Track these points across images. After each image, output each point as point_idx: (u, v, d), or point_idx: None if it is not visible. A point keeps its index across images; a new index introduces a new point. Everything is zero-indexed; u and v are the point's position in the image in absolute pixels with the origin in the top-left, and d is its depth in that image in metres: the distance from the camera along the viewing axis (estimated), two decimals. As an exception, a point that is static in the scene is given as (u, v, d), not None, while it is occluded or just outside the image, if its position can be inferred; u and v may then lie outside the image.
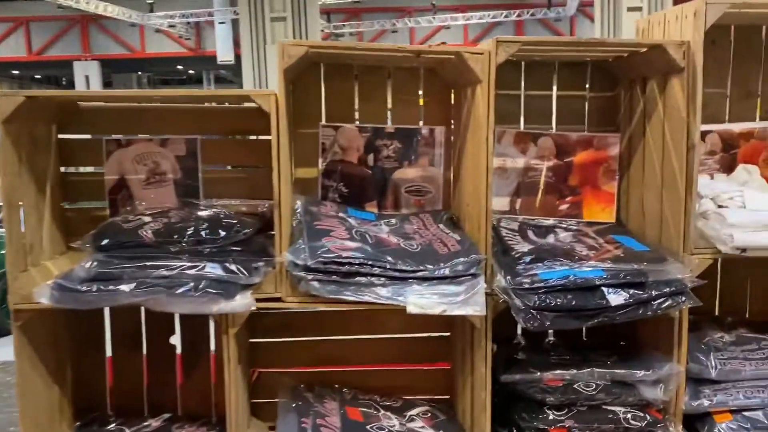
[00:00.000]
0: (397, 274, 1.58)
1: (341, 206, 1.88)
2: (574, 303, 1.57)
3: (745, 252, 1.65)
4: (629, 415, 1.69)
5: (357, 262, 1.55)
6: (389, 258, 1.58)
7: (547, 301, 1.56)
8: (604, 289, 1.59)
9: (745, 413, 1.70)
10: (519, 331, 2.04)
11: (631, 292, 1.59)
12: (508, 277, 1.61)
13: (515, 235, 1.83)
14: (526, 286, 1.58)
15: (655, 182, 1.80)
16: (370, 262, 1.56)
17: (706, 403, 1.71)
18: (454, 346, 1.99)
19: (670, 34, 1.77)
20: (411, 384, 2.05)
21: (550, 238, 1.86)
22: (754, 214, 1.66)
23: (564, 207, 2.02)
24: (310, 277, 1.56)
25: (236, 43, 13.10)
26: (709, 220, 1.71)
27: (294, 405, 1.82)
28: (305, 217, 1.72)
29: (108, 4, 14.26)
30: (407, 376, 2.06)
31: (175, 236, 1.58)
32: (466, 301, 1.58)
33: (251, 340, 1.99)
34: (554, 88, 2.04)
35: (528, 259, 1.65)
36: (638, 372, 1.71)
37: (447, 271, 1.59)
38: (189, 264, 1.55)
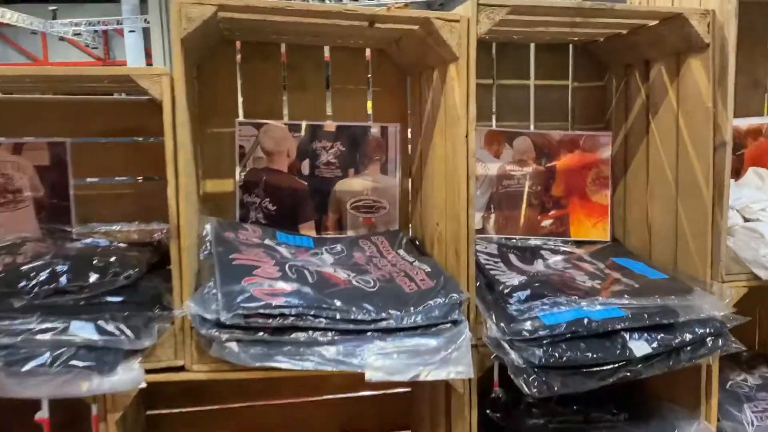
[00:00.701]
0: (350, 326, 1.12)
1: (268, 230, 1.41)
2: (589, 356, 1.16)
3: (790, 278, 1.30)
4: (650, 492, 1.31)
5: (293, 312, 1.09)
6: (338, 303, 1.13)
7: (556, 355, 1.15)
8: (626, 334, 1.20)
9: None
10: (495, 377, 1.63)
11: (659, 338, 1.20)
12: (501, 324, 1.18)
13: (497, 262, 1.42)
14: (527, 335, 1.16)
15: (666, 191, 1.43)
16: (312, 312, 1.10)
17: (744, 470, 1.35)
18: (417, 408, 1.56)
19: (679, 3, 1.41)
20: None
21: (539, 265, 1.46)
22: (798, 229, 1.32)
23: (547, 223, 1.63)
24: (225, 337, 1.08)
25: (148, 54, 12.29)
26: (738, 237, 1.36)
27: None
28: (218, 248, 1.24)
29: (6, 10, 13.07)
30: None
31: (22, 284, 1.07)
32: (447, 360, 1.15)
33: (149, 413, 1.48)
34: (531, 75, 1.65)
35: (522, 295, 1.23)
36: (659, 436, 1.34)
37: (419, 318, 1.15)
38: (42, 326, 1.04)
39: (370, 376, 1.12)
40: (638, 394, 1.49)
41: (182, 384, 1.40)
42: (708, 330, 1.22)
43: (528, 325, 1.18)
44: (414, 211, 1.55)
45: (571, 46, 1.65)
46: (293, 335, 1.10)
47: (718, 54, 1.29)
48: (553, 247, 1.58)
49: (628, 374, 1.19)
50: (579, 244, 1.61)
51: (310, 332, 1.11)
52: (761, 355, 1.64)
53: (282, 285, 1.13)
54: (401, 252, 1.43)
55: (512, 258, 1.47)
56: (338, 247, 1.43)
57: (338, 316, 1.12)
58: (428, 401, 1.45)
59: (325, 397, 1.56)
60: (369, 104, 1.55)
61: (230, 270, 1.16)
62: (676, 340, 1.21)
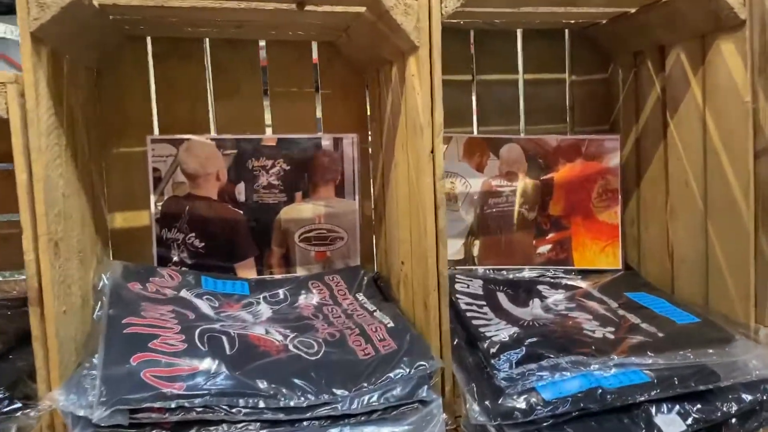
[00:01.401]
0: (280, 416, 0.83)
1: (190, 276, 1.12)
2: (604, 441, 0.87)
3: None
4: None
5: (197, 403, 0.79)
6: (263, 385, 0.83)
7: (560, 443, 0.85)
8: (651, 408, 0.90)
9: None
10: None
11: (695, 409, 0.91)
12: (486, 402, 0.89)
13: (481, 307, 1.12)
14: (519, 416, 0.87)
15: (692, 208, 1.14)
16: (224, 402, 0.80)
17: None
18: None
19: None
20: None
21: (536, 306, 1.16)
22: None
23: (545, 249, 1.34)
24: (105, 440, 0.79)
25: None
26: (787, 266, 1.07)
27: None
28: (111, 309, 0.94)
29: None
30: None
31: None
32: (412, 455, 0.85)
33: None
34: (520, 69, 1.36)
35: (514, 356, 0.93)
36: None
37: (375, 400, 0.86)
38: None
39: (310, 483, 0.82)
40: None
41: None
42: (760, 396, 0.93)
43: (522, 402, 0.88)
44: (379, 242, 1.26)
45: (566, 31, 1.36)
46: (202, 432, 0.81)
47: (757, 33, 1.00)
48: (552, 280, 1.28)
49: (656, 462, 0.89)
50: (584, 274, 1.32)
51: (225, 427, 0.81)
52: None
53: (185, 362, 0.83)
54: (360, 297, 1.13)
55: (501, 298, 1.18)
56: (281, 293, 1.13)
57: (262, 404, 0.82)
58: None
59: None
60: (318, 111, 1.25)
61: (118, 342, 0.86)
62: (718, 413, 0.91)
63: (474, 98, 1.33)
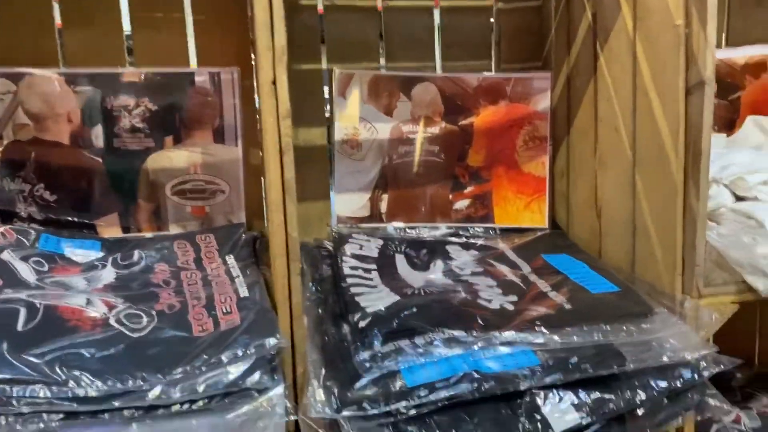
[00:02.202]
0: (68, 406, 0.67)
1: (29, 234, 0.95)
2: (475, 437, 0.71)
3: (804, 291, 0.84)
4: None
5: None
6: (55, 369, 0.68)
7: (419, 441, 0.70)
8: (539, 397, 0.75)
9: None
10: None
11: (590, 401, 0.75)
12: (335, 389, 0.73)
13: (368, 272, 0.96)
14: (370, 408, 0.71)
15: (621, 157, 0.97)
16: (-8, 390, 0.65)
17: None
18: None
19: None
20: None
21: (437, 271, 1.00)
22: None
23: (462, 205, 1.17)
24: None
25: None
26: (726, 225, 0.90)
27: None
28: None
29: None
30: None
31: None
32: (240, 452, 0.70)
33: None
34: (434, -6, 1.16)
35: (383, 332, 0.78)
36: None
37: (200, 387, 0.70)
38: None
39: (108, 486, 0.68)
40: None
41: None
42: (674, 382, 0.77)
43: (377, 389, 0.73)
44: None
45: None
46: (-28, 425, 0.66)
47: (693, -61, 0.80)
48: (466, 240, 1.12)
49: (541, 459, 0.75)
50: (506, 233, 1.15)
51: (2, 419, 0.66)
52: (762, 377, 1.19)
53: (-44, 340, 0.68)
54: (230, 260, 0.97)
55: (399, 261, 1.02)
56: (136, 255, 0.97)
57: (46, 393, 0.67)
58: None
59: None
60: (191, 40, 1.07)
61: None
62: (621, 403, 0.75)
63: (381, 28, 1.14)
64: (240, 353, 0.73)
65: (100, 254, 0.97)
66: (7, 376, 0.66)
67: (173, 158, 1.06)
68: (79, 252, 0.96)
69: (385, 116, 1.14)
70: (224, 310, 0.81)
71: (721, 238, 0.86)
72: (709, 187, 0.86)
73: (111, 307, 0.81)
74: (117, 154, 1.04)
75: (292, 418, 0.73)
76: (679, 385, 0.77)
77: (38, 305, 0.77)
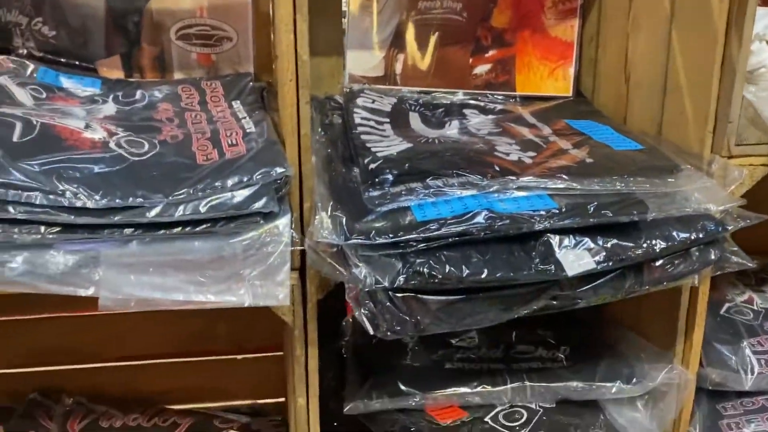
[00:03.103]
0: (71, 217, 0.65)
1: (26, 68, 0.91)
2: (485, 274, 0.69)
3: (843, 152, 0.79)
4: (588, 464, 0.88)
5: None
6: (53, 179, 0.65)
7: (426, 271, 0.67)
8: (553, 239, 0.72)
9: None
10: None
11: (608, 246, 0.72)
12: (343, 220, 0.70)
13: (381, 123, 0.92)
14: (379, 239, 0.68)
15: (658, 14, 0.90)
16: (-17, 192, 0.62)
17: (732, 437, 0.91)
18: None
19: None
20: (212, 384, 1.19)
21: (452, 128, 0.96)
22: None
23: (483, 69, 1.11)
24: None
25: None
26: (763, 85, 0.84)
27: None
28: None
29: None
30: (203, 371, 1.18)
31: None
32: (245, 276, 0.68)
33: None
34: None
35: (391, 174, 0.74)
36: (610, 385, 0.89)
37: (202, 207, 0.68)
38: None
39: (107, 302, 0.66)
40: (591, 318, 1.03)
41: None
42: (696, 234, 0.74)
43: (387, 222, 0.70)
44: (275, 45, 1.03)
45: None
46: (-34, 231, 0.64)
47: None
48: (484, 104, 1.06)
49: (555, 302, 0.73)
50: (528, 100, 1.09)
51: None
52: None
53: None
54: (236, 104, 0.92)
55: (413, 118, 0.97)
56: (139, 94, 0.93)
57: (42, 201, 0.64)
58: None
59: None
60: None
61: None
62: (639, 251, 0.72)
63: None
64: (245, 179, 0.69)
65: (100, 91, 0.93)
66: (3, 180, 0.63)
67: (180, 0, 1.00)
68: (78, 87, 0.92)
69: (409, -33, 1.07)
70: (230, 143, 0.77)
71: (759, 96, 0.81)
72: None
73: (111, 133, 0.78)
74: (120, -9, 0.98)
75: (299, 248, 0.71)
76: (701, 236, 0.73)
77: (35, 122, 0.74)
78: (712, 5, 0.79)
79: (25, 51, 0.97)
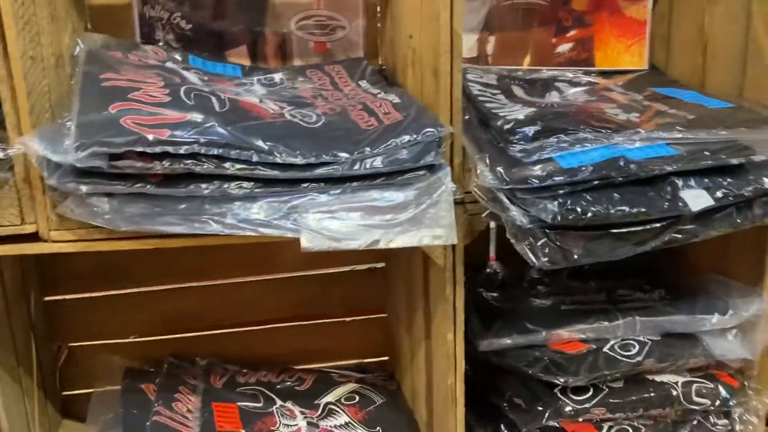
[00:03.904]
0: (277, 173, 0.76)
1: (177, 53, 1.02)
2: (625, 210, 0.80)
3: None
4: (693, 389, 1.00)
5: (185, 151, 0.72)
6: (258, 142, 0.76)
7: (578, 209, 0.79)
8: (678, 180, 0.83)
9: None
10: (492, 248, 1.30)
11: (725, 184, 0.84)
12: (499, 169, 0.82)
13: (495, 94, 1.03)
14: (535, 182, 0.80)
15: (735, -12, 1.02)
16: (215, 150, 0.73)
17: (816, 360, 1.03)
18: (392, 287, 1.23)
19: None
20: (327, 345, 1.30)
21: (553, 97, 1.08)
22: None
23: (566, 48, 1.22)
24: (85, 189, 0.72)
25: None
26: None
27: (123, 406, 1.04)
28: (87, 66, 0.85)
29: None
30: (317, 334, 1.29)
31: None
32: (419, 221, 0.79)
33: (48, 298, 1.17)
34: None
35: (530, 131, 0.86)
36: (710, 317, 1.00)
37: (378, 163, 0.79)
38: None
39: (308, 243, 0.77)
40: (680, 266, 1.15)
41: (89, 259, 1.09)
42: (796, 173, 0.86)
43: (538, 169, 0.81)
44: (384, 33, 1.15)
45: None
46: (191, 186, 0.74)
47: None
48: (572, 79, 1.18)
49: (679, 236, 0.84)
50: (607, 75, 1.21)
51: (215, 182, 0.75)
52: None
53: (170, 113, 0.76)
54: (363, 83, 1.04)
55: (516, 90, 1.08)
56: (277, 77, 1.04)
57: (256, 158, 0.75)
58: (404, 278, 1.12)
59: (274, 276, 1.23)
60: None
61: (96, 95, 0.78)
62: (749, 188, 0.84)
63: None
64: (414, 137, 0.80)
65: (242, 75, 1.04)
66: (228, 141, 0.73)
67: (300, -6, 1.11)
68: (223, 72, 1.03)
69: (494, -42, 1.18)
70: (383, 111, 0.88)
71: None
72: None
73: (280, 107, 0.89)
74: (248, -14, 1.09)
75: (458, 196, 0.82)
76: (803, 173, 0.85)
77: (223, 97, 0.85)
78: (794, -23, 0.91)
79: (164, 43, 1.08)
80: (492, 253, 1.12)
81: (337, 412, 1.11)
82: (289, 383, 1.17)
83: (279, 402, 1.11)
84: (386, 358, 1.32)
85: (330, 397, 1.15)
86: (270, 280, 1.24)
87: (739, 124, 0.89)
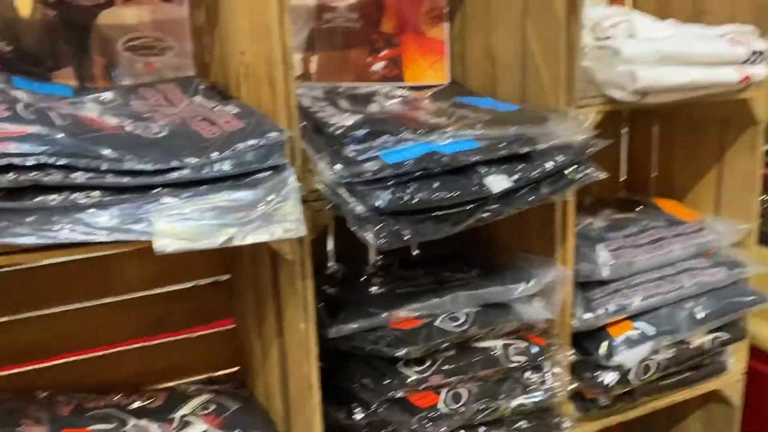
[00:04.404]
0: (127, 179, 0.79)
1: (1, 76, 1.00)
2: (444, 195, 0.95)
3: (645, 97, 1.18)
4: (510, 350, 1.17)
5: (31, 163, 0.73)
6: (107, 150, 0.78)
7: (406, 197, 0.92)
8: (482, 168, 1.00)
9: (647, 316, 1.29)
10: (329, 250, 1.40)
11: (518, 169, 1.02)
12: (337, 166, 0.92)
13: (324, 106, 1.14)
14: (369, 176, 0.91)
15: (512, 12, 1.23)
16: (62, 161, 0.75)
17: (601, 312, 1.25)
18: (240, 296, 1.28)
19: None
20: (175, 362, 1.30)
21: (375, 108, 1.21)
22: (651, 43, 1.18)
23: (379, 66, 1.37)
24: None
25: None
26: (593, 59, 1.20)
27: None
28: None
29: None
30: (167, 351, 1.29)
31: None
32: (269, 217, 0.87)
33: None
34: None
35: (359, 134, 0.98)
36: (518, 286, 1.19)
37: (226, 166, 0.85)
38: None
39: (162, 245, 0.80)
40: (490, 248, 1.34)
41: None
42: (569, 157, 1.06)
43: (369, 165, 0.93)
44: (214, 51, 1.21)
45: None
46: (38, 198, 0.75)
47: None
48: (387, 93, 1.33)
49: (487, 214, 1.00)
50: (416, 89, 1.38)
51: (65, 192, 0.76)
52: (601, 201, 1.56)
53: (12, 127, 0.76)
54: (198, 99, 1.09)
55: (342, 103, 1.20)
56: (108, 95, 1.06)
57: (107, 167, 0.78)
58: (252, 284, 1.18)
59: (116, 298, 1.22)
60: None
61: (-77, 111, 0.76)
62: (536, 171, 1.03)
63: None
64: (257, 142, 0.88)
65: (73, 95, 1.04)
66: (75, 151, 0.75)
67: (123, 16, 1.14)
68: (53, 92, 1.02)
69: (310, -14, 1.30)
70: (225, 120, 0.95)
71: (589, 65, 1.17)
72: (578, 29, 1.15)
73: (120, 120, 0.91)
74: (69, 9, 1.10)
75: (302, 192, 0.91)
76: (573, 158, 1.06)
77: (61, 111, 0.86)
78: (556, 2, 1.13)
79: (-20, 67, 1.04)
80: (330, 247, 1.23)
81: (195, 422, 1.13)
82: (140, 403, 1.16)
83: (133, 421, 1.10)
84: (237, 368, 1.35)
85: (185, 410, 1.16)
86: (112, 303, 1.22)
87: (524, 121, 1.09)
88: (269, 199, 0.87)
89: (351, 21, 1.34)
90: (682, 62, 1.17)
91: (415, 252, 1.05)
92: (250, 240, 0.85)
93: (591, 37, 1.22)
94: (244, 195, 0.86)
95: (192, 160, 0.83)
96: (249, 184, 0.87)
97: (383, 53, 1.37)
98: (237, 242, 0.84)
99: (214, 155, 0.85)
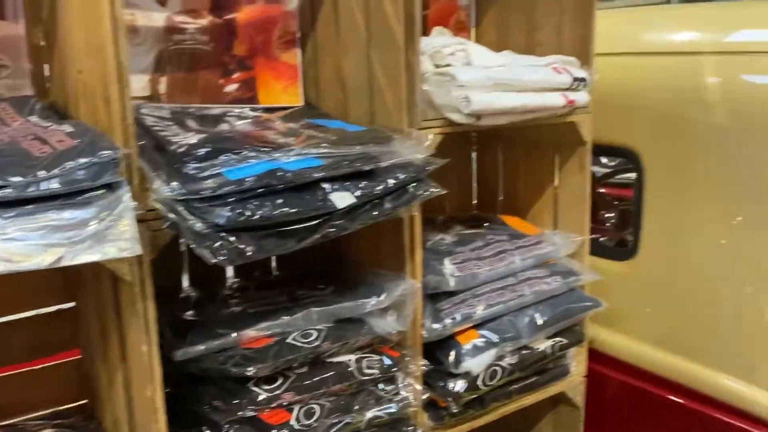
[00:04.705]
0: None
1: None
2: (286, 211, 0.97)
3: (479, 120, 1.27)
4: (363, 363, 1.20)
5: None
6: None
7: (247, 213, 0.93)
8: (326, 185, 1.03)
9: (491, 324, 1.37)
10: (185, 278, 1.38)
11: (361, 185, 1.06)
12: (174, 183, 0.92)
13: (170, 125, 1.13)
14: (208, 193, 0.92)
15: (358, 40, 1.29)
16: None
17: (448, 322, 1.31)
18: (84, 321, 1.22)
19: None
20: (18, 398, 1.22)
21: (224, 128, 1.22)
22: (485, 71, 1.28)
23: (232, 88, 1.38)
24: None
25: None
26: (431, 82, 1.28)
27: None
28: None
29: None
30: (7, 386, 1.21)
31: None
32: (101, 236, 0.85)
33: None
34: None
35: (202, 151, 0.98)
36: (369, 300, 1.22)
37: (54, 184, 0.83)
38: None
39: (-12, 267, 0.77)
40: (346, 266, 1.37)
41: None
42: (410, 174, 1.12)
43: (209, 182, 0.93)
44: (53, 70, 1.17)
45: None
46: None
47: None
48: (240, 113, 1.34)
49: (333, 230, 1.03)
50: (270, 110, 1.40)
51: None
52: (453, 218, 1.65)
53: None
54: (33, 118, 1.05)
55: (189, 122, 1.20)
56: (-70, 112, 0.99)
57: None
58: (95, 310, 1.13)
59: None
60: None
61: None
62: (379, 187, 1.08)
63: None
64: (90, 159, 0.86)
65: None
66: None
67: (-50, 29, 1.08)
68: None
69: (159, 6, 1.29)
70: (57, 139, 0.92)
71: (429, 89, 1.25)
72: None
73: (-62, 138, 0.86)
74: None
75: (139, 211, 0.90)
76: (414, 175, 1.12)
77: None
78: (394, 31, 1.20)
79: None
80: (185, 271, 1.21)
81: (33, 459, 1.07)
82: (-29, 443, 1.08)
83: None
84: (85, 401, 1.29)
85: (23, 447, 1.09)
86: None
87: (369, 141, 1.14)
88: (102, 217, 0.85)
89: (202, 43, 1.35)
90: (512, 88, 1.28)
91: (275, 274, 1.07)
92: (81, 260, 0.83)
93: (431, 63, 1.30)
94: (74, 214, 0.84)
95: (16, 179, 0.80)
96: (80, 202, 0.84)
97: (236, 75, 1.39)
98: (66, 262, 0.82)
99: (42, 174, 0.82)
